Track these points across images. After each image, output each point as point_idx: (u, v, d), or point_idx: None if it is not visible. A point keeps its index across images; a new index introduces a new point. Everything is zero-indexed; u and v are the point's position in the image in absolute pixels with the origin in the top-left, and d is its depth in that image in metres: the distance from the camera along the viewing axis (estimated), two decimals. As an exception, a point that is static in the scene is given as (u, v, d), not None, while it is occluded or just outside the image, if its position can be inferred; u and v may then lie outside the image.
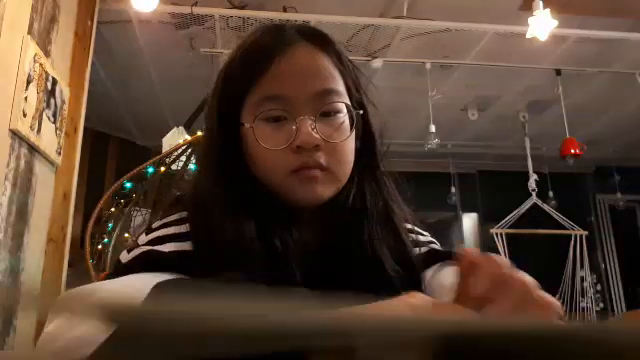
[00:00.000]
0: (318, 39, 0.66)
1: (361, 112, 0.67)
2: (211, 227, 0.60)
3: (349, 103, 0.65)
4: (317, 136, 0.61)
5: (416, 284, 0.63)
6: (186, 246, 0.60)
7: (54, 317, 0.48)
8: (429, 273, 0.66)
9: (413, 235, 0.71)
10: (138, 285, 0.51)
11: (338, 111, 0.64)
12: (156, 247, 0.60)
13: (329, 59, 0.65)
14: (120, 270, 0.57)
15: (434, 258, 0.68)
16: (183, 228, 0.63)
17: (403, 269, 0.63)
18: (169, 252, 0.59)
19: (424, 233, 0.75)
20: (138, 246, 0.61)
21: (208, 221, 0.61)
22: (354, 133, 0.66)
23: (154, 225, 0.65)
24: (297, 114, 0.62)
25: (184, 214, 0.65)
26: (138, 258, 0.59)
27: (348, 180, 0.66)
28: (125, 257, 0.60)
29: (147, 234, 0.63)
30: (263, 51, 0.64)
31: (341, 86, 0.65)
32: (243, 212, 0.61)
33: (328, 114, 0.63)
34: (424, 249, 0.70)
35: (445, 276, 0.64)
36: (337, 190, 0.65)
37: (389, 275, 0.61)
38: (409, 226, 0.72)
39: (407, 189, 0.74)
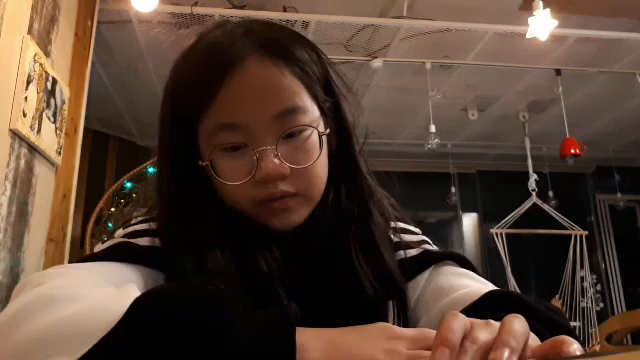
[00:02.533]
0: (272, 47, 0.57)
1: (327, 131, 0.60)
2: (178, 259, 0.56)
3: (315, 123, 0.59)
4: (281, 165, 0.56)
5: (397, 296, 0.62)
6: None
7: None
8: (424, 276, 0.64)
9: (400, 235, 0.68)
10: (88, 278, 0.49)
11: (302, 130, 0.58)
12: (132, 240, 0.59)
13: (288, 70, 0.57)
14: (92, 259, 0.55)
15: (428, 260, 0.66)
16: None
17: (382, 283, 0.60)
18: (144, 246, 0.58)
19: (415, 231, 0.71)
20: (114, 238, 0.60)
21: (175, 253, 0.57)
22: (325, 148, 0.60)
23: (133, 220, 0.64)
24: (257, 142, 0.56)
25: None
26: (112, 248, 0.57)
27: (325, 189, 0.62)
28: (99, 248, 0.59)
29: (124, 228, 0.62)
30: (211, 70, 0.56)
31: (305, 99, 0.58)
32: (213, 240, 0.57)
33: (292, 135, 0.57)
34: (415, 251, 0.67)
35: (441, 279, 0.63)
36: (313, 207, 0.61)
37: (368, 292, 0.59)
38: (396, 225, 0.69)
39: (398, 188, 0.71)
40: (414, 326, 0.62)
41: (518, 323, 0.38)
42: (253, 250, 0.57)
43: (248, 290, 0.52)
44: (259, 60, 0.56)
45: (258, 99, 0.56)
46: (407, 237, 0.69)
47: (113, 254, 0.56)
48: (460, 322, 0.37)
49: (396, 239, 0.68)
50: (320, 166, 0.60)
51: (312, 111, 0.59)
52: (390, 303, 0.61)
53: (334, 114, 0.63)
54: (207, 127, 0.57)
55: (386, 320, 0.60)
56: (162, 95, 0.62)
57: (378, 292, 0.59)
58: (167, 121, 0.61)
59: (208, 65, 0.57)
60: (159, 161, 0.64)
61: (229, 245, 0.57)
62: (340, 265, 0.60)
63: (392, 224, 0.69)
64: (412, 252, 0.67)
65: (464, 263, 0.65)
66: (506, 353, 0.35)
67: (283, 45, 0.58)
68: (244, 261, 0.57)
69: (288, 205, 0.58)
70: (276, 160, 0.56)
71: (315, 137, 0.59)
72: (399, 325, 0.60)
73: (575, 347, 0.36)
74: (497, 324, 0.39)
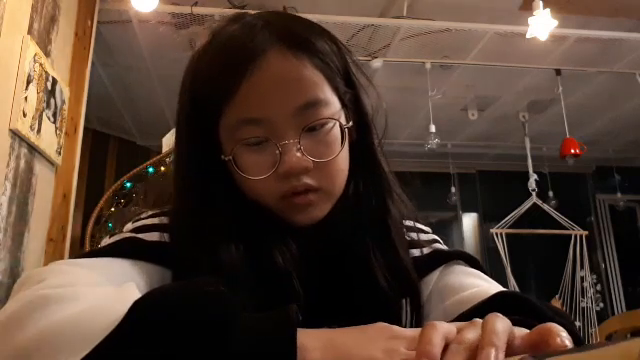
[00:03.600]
0: (293, 39, 0.57)
1: (350, 124, 0.60)
2: (190, 255, 0.56)
3: (336, 116, 0.58)
4: (304, 159, 0.56)
5: (411, 293, 0.62)
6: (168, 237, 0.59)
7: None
8: (435, 274, 0.65)
9: (413, 234, 0.69)
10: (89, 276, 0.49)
11: (325, 123, 0.58)
12: (140, 235, 0.58)
13: (309, 62, 0.57)
14: (96, 254, 0.54)
15: (438, 259, 0.66)
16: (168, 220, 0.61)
17: (396, 278, 0.60)
18: (150, 242, 0.58)
19: (426, 230, 0.72)
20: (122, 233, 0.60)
21: (190, 250, 0.56)
22: (347, 142, 0.60)
23: (143, 215, 0.63)
24: (279, 136, 0.56)
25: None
26: (117, 243, 0.57)
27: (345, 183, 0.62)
28: (105, 242, 0.58)
29: (134, 222, 0.62)
30: (232, 64, 0.55)
31: (326, 91, 0.58)
32: (230, 234, 0.56)
33: (314, 128, 0.57)
34: (426, 250, 0.68)
35: (451, 277, 0.63)
36: (334, 202, 0.61)
37: (383, 289, 0.59)
38: (409, 223, 0.70)
39: (412, 187, 0.71)
40: (423, 323, 0.62)
41: (499, 321, 0.38)
42: (270, 245, 0.57)
43: (264, 285, 0.53)
44: (280, 53, 0.56)
45: (280, 92, 0.55)
46: (420, 236, 0.70)
47: (117, 250, 0.55)
48: (439, 332, 0.37)
49: (409, 237, 0.68)
50: (342, 159, 0.60)
51: (334, 103, 0.59)
52: (403, 301, 0.61)
53: (354, 106, 0.63)
54: (229, 122, 0.57)
55: (399, 317, 0.60)
56: (179, 91, 0.62)
57: (392, 287, 0.59)
58: (185, 117, 0.60)
59: (229, 59, 0.56)
60: (176, 156, 0.63)
61: (245, 240, 0.57)
62: (357, 260, 0.60)
63: (410, 223, 0.70)
64: (424, 251, 0.67)
65: (473, 263, 0.66)
66: (492, 352, 0.35)
67: (304, 37, 0.58)
68: (260, 256, 0.56)
69: (311, 200, 0.57)
70: (299, 154, 0.55)
71: (337, 130, 0.59)
72: (412, 323, 0.60)
73: (563, 335, 0.37)
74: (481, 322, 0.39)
